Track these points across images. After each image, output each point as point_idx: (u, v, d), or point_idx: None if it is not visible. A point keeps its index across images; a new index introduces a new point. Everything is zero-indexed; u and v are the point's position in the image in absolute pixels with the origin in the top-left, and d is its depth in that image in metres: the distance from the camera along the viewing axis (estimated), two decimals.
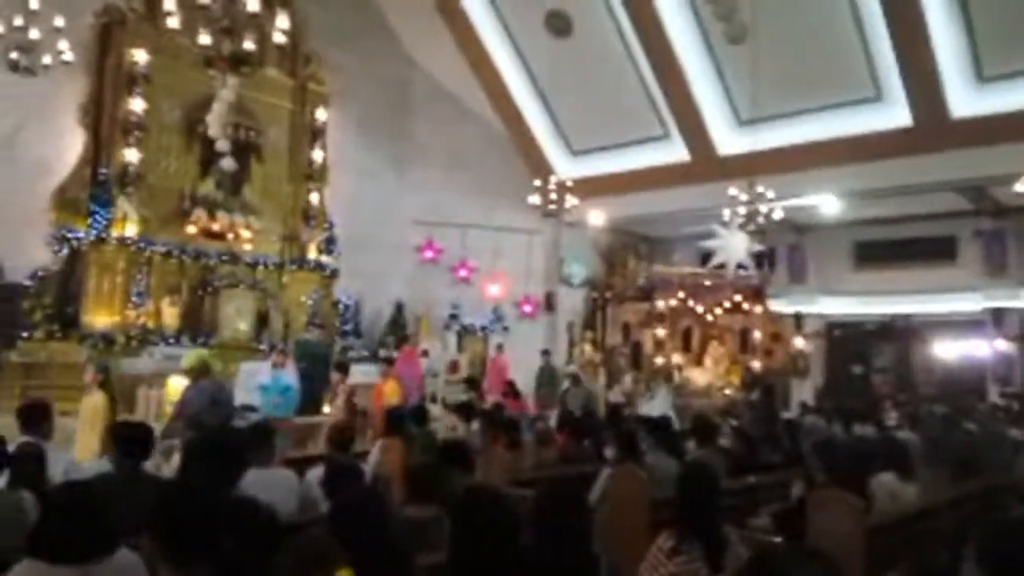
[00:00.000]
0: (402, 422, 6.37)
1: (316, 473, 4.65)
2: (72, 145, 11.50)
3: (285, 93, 13.54)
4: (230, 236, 12.52)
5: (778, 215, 11.72)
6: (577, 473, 5.59)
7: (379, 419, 7.67)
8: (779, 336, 16.23)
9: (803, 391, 16.18)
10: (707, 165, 13.71)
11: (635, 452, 5.07)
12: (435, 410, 9.61)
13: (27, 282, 10.72)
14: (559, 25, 13.70)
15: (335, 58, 13.93)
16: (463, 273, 16.07)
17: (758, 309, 15.48)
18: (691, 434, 6.39)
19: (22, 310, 10.47)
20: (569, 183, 14.10)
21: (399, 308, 15.15)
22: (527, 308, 16.28)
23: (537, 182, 13.81)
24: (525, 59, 14.65)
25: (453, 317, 15.70)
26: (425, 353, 13.86)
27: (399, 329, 15.03)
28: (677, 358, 15.43)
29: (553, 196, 13.95)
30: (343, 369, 9.43)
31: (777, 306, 16.05)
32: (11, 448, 3.91)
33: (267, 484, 4.02)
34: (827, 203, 14.24)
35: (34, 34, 8.73)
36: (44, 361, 10.39)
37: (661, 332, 15.35)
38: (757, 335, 15.46)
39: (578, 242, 16.45)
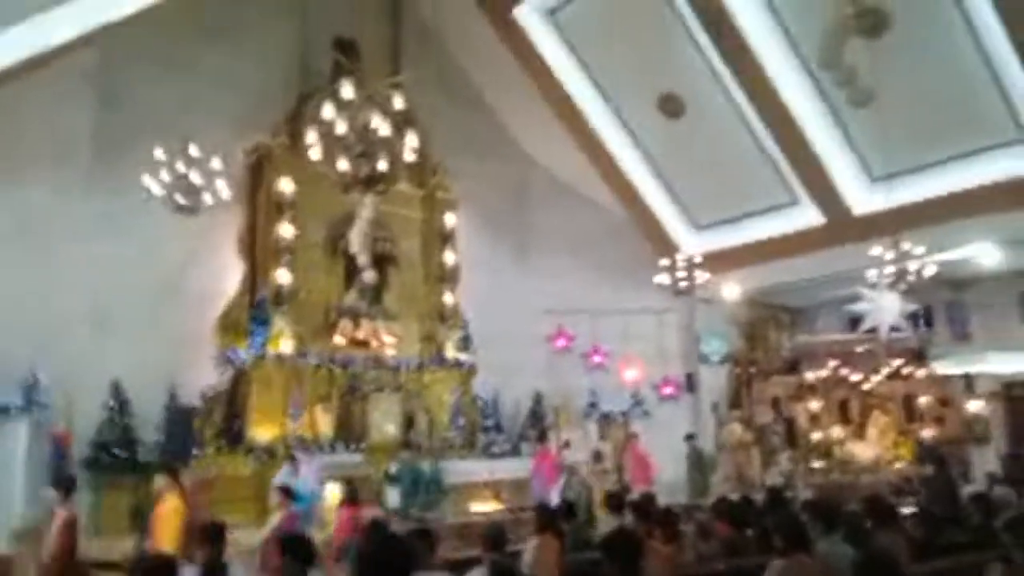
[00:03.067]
0: (554, 518, 6.27)
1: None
2: (231, 272, 12.61)
3: (415, 204, 14.34)
4: (373, 343, 13.10)
5: (931, 271, 11.00)
6: (743, 566, 5.26)
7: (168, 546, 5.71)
8: (948, 401, 14.92)
9: (985, 459, 14.65)
10: (844, 226, 13.18)
11: (804, 540, 4.72)
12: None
13: (197, 403, 11.59)
14: (672, 107, 13.84)
15: (458, 165, 14.67)
16: (597, 359, 15.93)
17: (921, 373, 14.37)
18: (866, 516, 5.89)
19: (194, 429, 11.30)
20: (698, 259, 13.90)
21: (537, 399, 15.17)
22: (667, 390, 15.85)
23: (664, 261, 13.70)
24: (641, 143, 14.84)
25: (592, 405, 15.52)
26: (567, 444, 13.69)
27: (538, 421, 15.03)
28: (837, 432, 14.47)
29: (682, 273, 13.78)
30: (67, 484, 6.81)
31: (942, 368, 14.82)
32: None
33: None
34: (986, 253, 13.23)
35: (195, 178, 9.79)
36: (214, 476, 11.05)
37: (815, 405, 14.50)
38: (923, 401, 14.30)
39: (713, 318, 16.03)
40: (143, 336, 11.09)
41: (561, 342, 15.91)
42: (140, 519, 9.93)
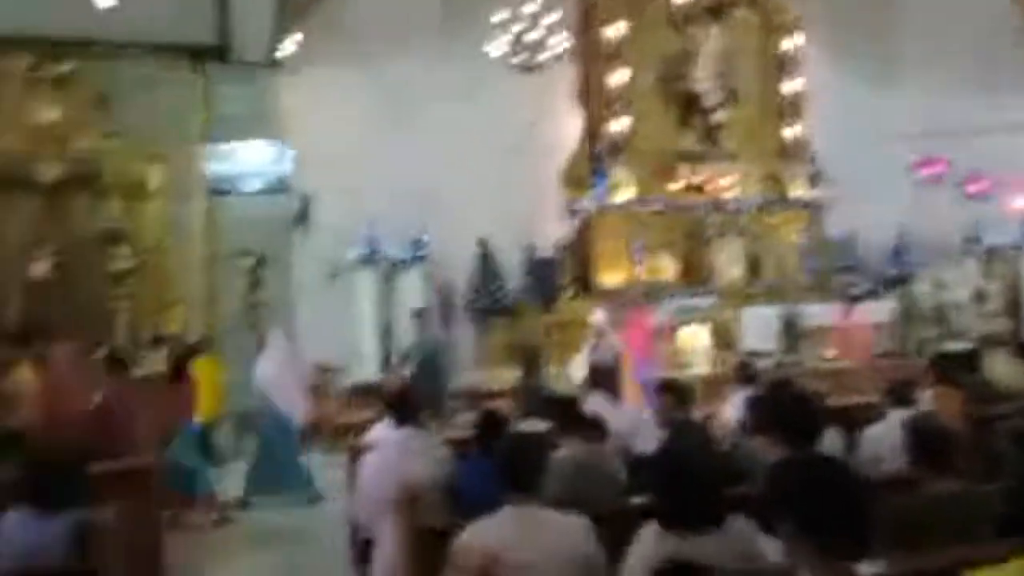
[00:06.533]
0: (952, 369, 5.68)
1: None
2: (570, 126, 12.84)
3: (751, 30, 13.08)
4: (712, 186, 12.67)
5: None
6: None
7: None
8: None
9: None
10: None
11: None
12: None
13: (553, 254, 12.39)
14: None
15: None
16: (975, 187, 13.73)
17: None
18: None
19: (555, 279, 12.15)
20: None
21: (900, 236, 13.62)
22: None
23: None
24: None
25: (971, 240, 13.50)
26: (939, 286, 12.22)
27: (902, 260, 13.55)
28: None
29: None
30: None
31: None
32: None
33: None
34: None
35: (532, 35, 9.94)
36: (568, 320, 11.89)
37: None
38: None
39: None
40: (500, 195, 11.90)
41: (930, 170, 13.91)
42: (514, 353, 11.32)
